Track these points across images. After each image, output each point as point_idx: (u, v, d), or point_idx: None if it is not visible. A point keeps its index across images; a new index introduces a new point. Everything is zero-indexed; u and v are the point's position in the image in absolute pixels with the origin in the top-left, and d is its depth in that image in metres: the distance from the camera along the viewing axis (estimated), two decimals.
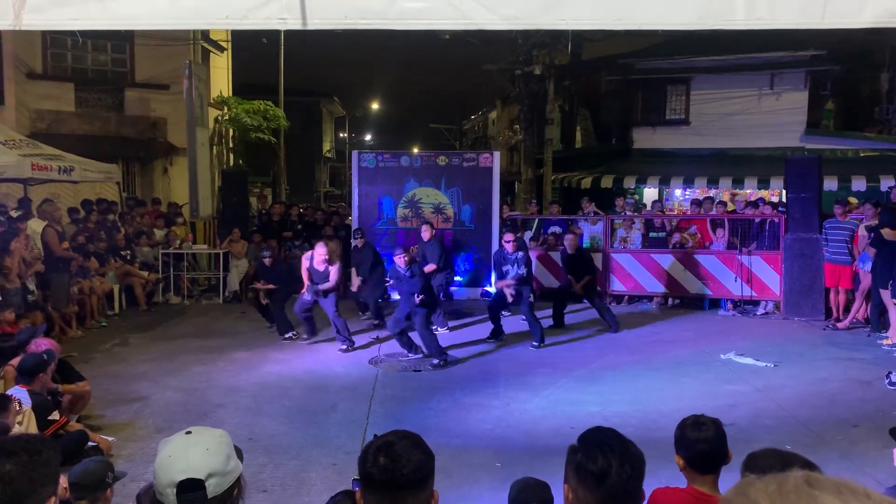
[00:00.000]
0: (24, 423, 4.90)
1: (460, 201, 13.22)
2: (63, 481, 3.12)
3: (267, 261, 10.73)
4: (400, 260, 9.22)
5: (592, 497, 1.98)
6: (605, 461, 1.97)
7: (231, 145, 22.73)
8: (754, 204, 13.80)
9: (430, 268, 10.62)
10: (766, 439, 5.99)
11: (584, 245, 13.08)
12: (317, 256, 9.70)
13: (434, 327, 10.95)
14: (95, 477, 3.26)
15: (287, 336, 10.19)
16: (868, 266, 10.22)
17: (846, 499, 0.71)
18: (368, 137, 54.61)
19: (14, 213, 10.75)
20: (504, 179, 18.31)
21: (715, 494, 2.80)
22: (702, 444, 2.83)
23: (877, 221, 10.31)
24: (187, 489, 1.77)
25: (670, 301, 12.82)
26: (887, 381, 7.68)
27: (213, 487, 1.80)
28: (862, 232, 10.63)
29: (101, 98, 17.85)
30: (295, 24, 2.82)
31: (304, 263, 9.92)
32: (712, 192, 17.89)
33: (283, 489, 5.28)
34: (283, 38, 23.17)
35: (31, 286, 9.65)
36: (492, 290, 13.23)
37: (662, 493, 2.86)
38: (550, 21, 2.92)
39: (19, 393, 5.33)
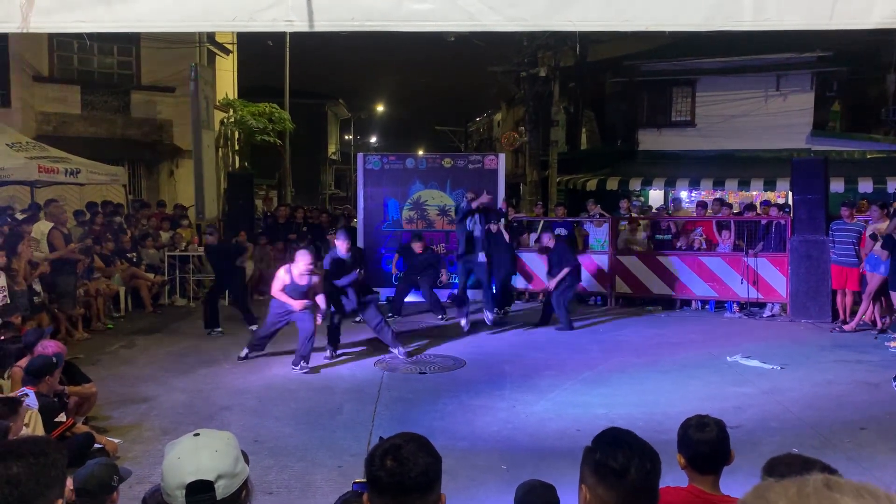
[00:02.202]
0: (31, 424, 4.90)
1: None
2: (69, 483, 3.12)
3: (212, 238, 10.96)
4: (342, 244, 8.97)
5: (612, 494, 1.98)
6: (625, 458, 1.98)
7: (236, 147, 22.79)
8: (750, 206, 13.75)
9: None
10: (772, 442, 5.98)
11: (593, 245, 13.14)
12: (300, 267, 8.59)
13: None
14: (100, 481, 3.25)
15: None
16: (879, 268, 10.14)
17: (867, 501, 0.71)
18: (374, 140, 54.75)
19: (20, 216, 10.79)
20: (509, 181, 18.31)
21: (716, 493, 2.80)
22: (704, 444, 2.84)
23: (885, 222, 10.26)
24: (197, 491, 1.77)
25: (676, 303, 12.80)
26: (894, 383, 7.65)
27: (222, 489, 1.80)
28: (869, 233, 10.57)
29: (107, 100, 17.93)
30: (301, 26, 2.82)
31: (282, 279, 8.65)
32: (718, 194, 17.83)
33: (288, 491, 5.29)
34: (288, 40, 23.23)
35: (37, 288, 9.67)
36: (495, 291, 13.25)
37: (663, 493, 2.86)
38: (557, 22, 2.91)
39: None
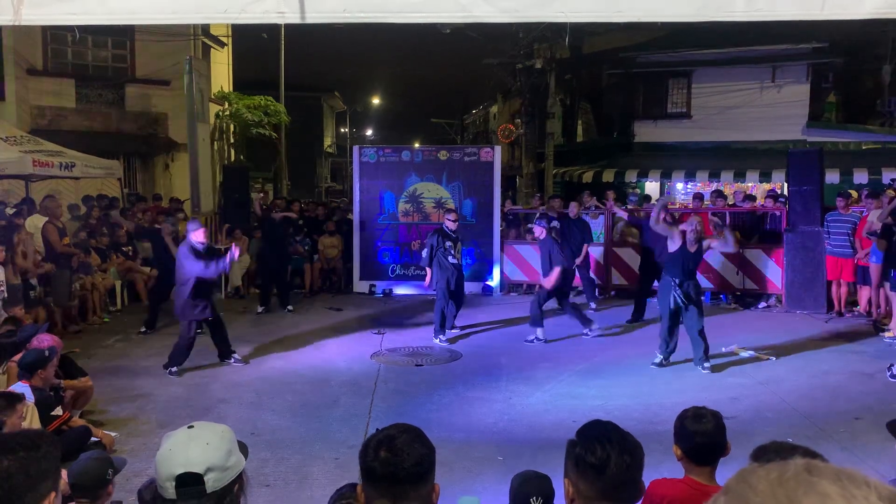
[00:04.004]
0: (27, 418, 4.90)
1: (461, 196, 13.23)
2: (65, 476, 3.12)
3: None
4: (199, 234, 8.24)
5: (592, 489, 1.99)
6: (603, 452, 1.98)
7: (232, 141, 22.73)
8: (750, 197, 13.77)
9: None
10: (767, 432, 5.99)
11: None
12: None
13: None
14: (95, 476, 3.25)
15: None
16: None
17: (845, 485, 0.72)
18: (369, 132, 54.59)
19: (10, 210, 10.76)
20: (505, 174, 18.31)
21: (712, 485, 2.81)
22: (700, 436, 2.85)
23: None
24: (186, 483, 1.78)
25: None
26: (889, 373, 7.68)
27: (211, 482, 1.80)
28: (872, 217, 10.41)
29: (102, 94, 17.85)
30: (293, 18, 2.81)
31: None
32: (714, 186, 17.84)
33: (285, 483, 5.30)
34: (283, 32, 23.15)
35: (33, 281, 9.66)
36: (493, 283, 13.25)
37: (659, 485, 2.88)
38: (550, 14, 2.90)
39: (22, 389, 5.34)
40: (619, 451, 1.99)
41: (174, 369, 8.14)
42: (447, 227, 10.06)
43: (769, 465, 0.78)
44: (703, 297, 8.19)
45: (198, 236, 8.22)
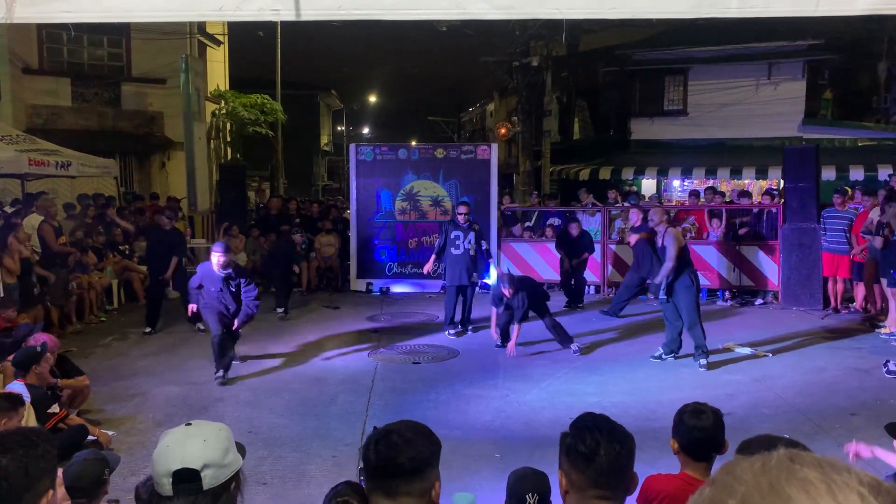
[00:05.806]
0: (24, 417, 4.89)
1: (458, 194, 13.23)
2: (60, 476, 3.12)
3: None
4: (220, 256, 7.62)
5: (584, 478, 2.00)
6: (593, 441, 2.00)
7: (228, 139, 22.70)
8: (747, 193, 13.80)
9: None
10: (764, 428, 5.99)
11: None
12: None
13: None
14: (92, 478, 3.24)
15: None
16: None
17: (826, 471, 0.74)
18: (366, 130, 54.61)
19: (9, 209, 10.74)
20: (502, 171, 18.32)
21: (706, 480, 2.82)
22: (698, 432, 2.86)
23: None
24: (182, 479, 1.78)
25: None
26: (885, 369, 7.70)
27: (208, 479, 1.81)
28: (873, 215, 10.42)
29: (98, 93, 17.83)
30: (288, 16, 2.81)
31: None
32: (710, 183, 17.87)
33: (283, 481, 5.30)
34: (279, 30, 23.13)
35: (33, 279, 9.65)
36: (490, 282, 13.25)
37: (655, 481, 2.89)
38: (545, 10, 2.90)
39: (18, 387, 5.34)
40: (608, 439, 2.01)
41: (220, 373, 7.74)
42: (456, 219, 10.20)
43: (754, 457, 0.80)
44: (690, 295, 8.20)
45: (215, 259, 7.64)
